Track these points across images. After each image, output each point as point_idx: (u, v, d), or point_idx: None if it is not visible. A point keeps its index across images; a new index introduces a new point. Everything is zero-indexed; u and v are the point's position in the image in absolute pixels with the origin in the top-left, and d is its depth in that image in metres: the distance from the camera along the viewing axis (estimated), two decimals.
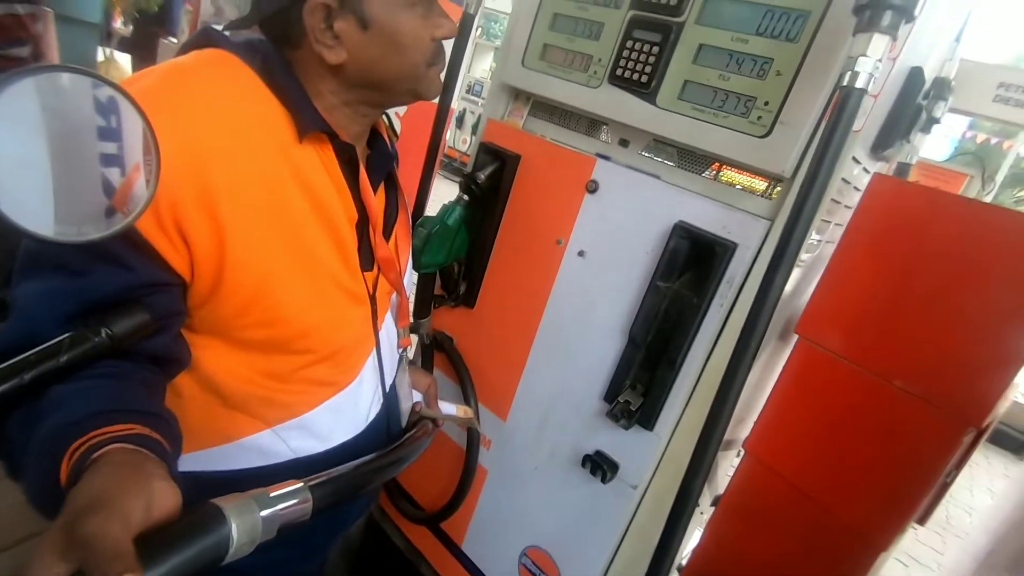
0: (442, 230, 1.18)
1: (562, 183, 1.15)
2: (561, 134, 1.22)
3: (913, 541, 3.05)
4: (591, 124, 1.19)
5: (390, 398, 0.87)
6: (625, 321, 1.07)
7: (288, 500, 0.51)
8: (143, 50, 5.18)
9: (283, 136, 0.63)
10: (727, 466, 1.41)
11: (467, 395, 1.31)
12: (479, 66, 9.11)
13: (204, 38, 0.66)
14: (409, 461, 0.77)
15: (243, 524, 0.45)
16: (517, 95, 1.29)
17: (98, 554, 0.35)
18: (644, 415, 1.04)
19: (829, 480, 0.95)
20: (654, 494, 1.08)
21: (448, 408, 1.04)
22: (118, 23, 5.27)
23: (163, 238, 0.55)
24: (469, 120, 8.90)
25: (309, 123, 0.64)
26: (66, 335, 0.50)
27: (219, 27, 0.68)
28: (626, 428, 1.04)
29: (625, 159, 1.12)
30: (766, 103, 0.89)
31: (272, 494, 0.49)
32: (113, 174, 0.46)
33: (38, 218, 0.42)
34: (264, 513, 0.47)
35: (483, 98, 9.11)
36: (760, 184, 0.98)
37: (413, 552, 1.51)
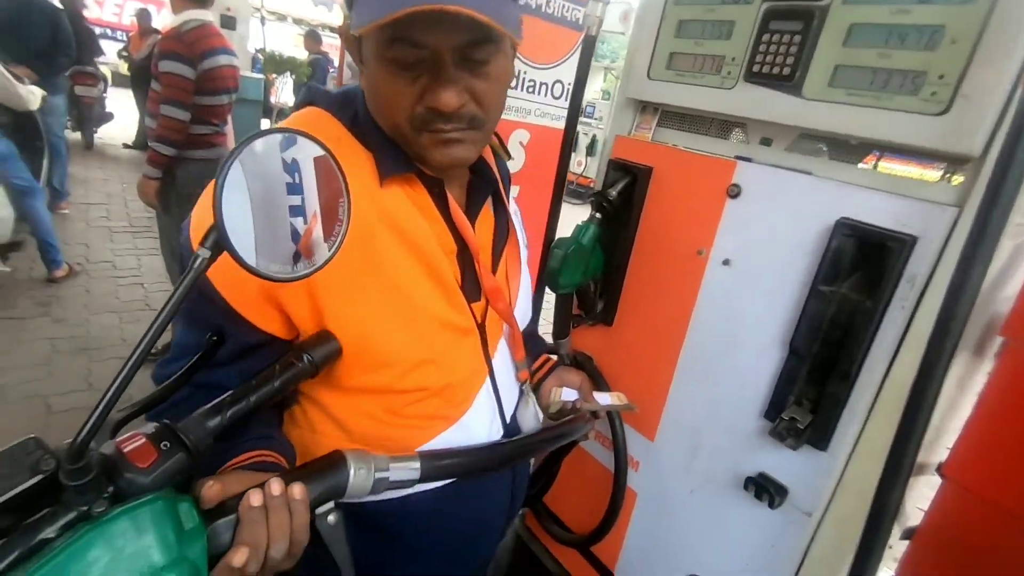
0: (577, 250, 1.19)
1: (699, 191, 1.11)
2: (694, 141, 1.18)
3: None
4: (724, 127, 1.14)
5: (512, 430, 0.84)
6: (783, 331, 0.99)
7: (401, 462, 0.60)
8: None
9: (368, 183, 0.65)
10: (914, 494, 1.23)
11: (610, 415, 1.29)
12: (589, 87, 9.13)
13: (307, 96, 0.72)
14: (539, 449, 0.81)
15: (360, 467, 0.56)
16: (643, 108, 1.27)
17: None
18: (815, 433, 0.94)
19: None
20: (833, 522, 0.97)
21: (604, 398, 1.01)
22: (274, 98, 6.15)
23: (257, 312, 0.62)
24: (583, 142, 8.97)
25: (389, 166, 0.66)
26: (276, 362, 0.57)
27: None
28: (794, 448, 0.95)
29: (769, 158, 1.05)
30: (940, 76, 0.79)
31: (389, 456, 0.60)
32: (298, 222, 0.52)
33: (252, 258, 0.50)
34: (379, 467, 0.58)
35: (595, 119, 9.16)
36: (931, 173, 0.86)
37: (564, 575, 1.49)
